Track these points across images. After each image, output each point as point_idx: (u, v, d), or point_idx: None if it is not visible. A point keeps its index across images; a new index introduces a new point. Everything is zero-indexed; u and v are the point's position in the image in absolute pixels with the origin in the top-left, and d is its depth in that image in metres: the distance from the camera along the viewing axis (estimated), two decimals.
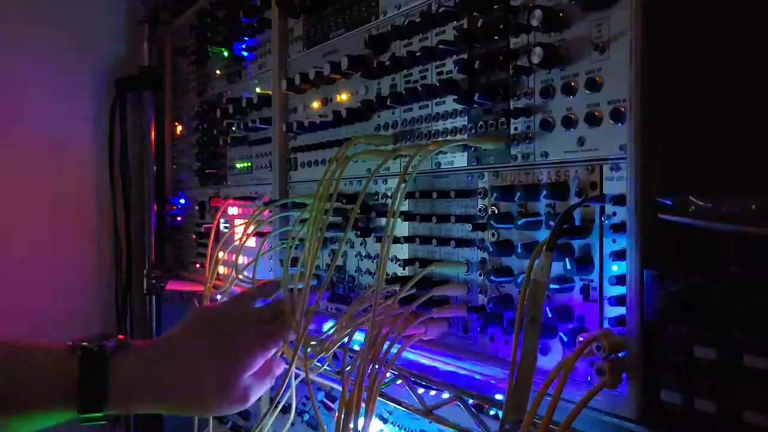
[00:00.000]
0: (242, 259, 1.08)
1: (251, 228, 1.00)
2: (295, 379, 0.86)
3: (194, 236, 1.44)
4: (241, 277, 1.01)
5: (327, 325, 0.80)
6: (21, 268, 1.50)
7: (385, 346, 0.66)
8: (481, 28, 0.66)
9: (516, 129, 0.64)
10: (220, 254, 1.13)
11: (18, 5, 1.49)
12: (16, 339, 0.69)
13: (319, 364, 0.78)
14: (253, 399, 0.74)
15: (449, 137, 0.72)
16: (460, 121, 0.71)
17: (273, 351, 0.76)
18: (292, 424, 0.94)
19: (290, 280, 0.79)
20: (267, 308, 0.82)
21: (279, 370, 0.80)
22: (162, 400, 0.71)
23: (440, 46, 0.71)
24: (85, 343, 0.68)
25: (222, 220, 1.29)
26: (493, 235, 0.67)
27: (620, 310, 0.54)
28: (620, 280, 0.54)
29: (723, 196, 0.46)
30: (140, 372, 0.69)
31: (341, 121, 0.88)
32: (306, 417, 1.06)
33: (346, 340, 0.72)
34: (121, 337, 0.71)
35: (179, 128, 1.56)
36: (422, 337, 0.71)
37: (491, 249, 0.65)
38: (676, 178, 0.52)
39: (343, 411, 0.63)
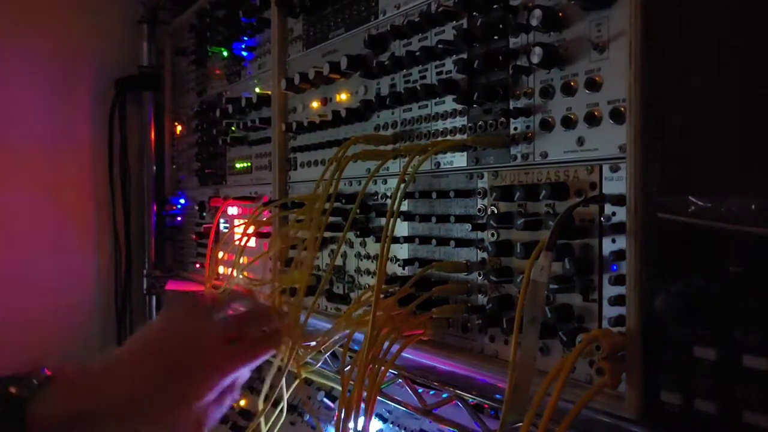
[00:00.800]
0: (242, 259, 1.08)
1: (251, 228, 1.00)
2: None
3: (194, 236, 1.44)
4: (240, 277, 1.01)
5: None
6: (21, 268, 1.50)
7: (385, 346, 0.66)
8: (480, 28, 0.66)
9: (516, 129, 0.64)
10: (220, 254, 1.13)
11: (17, 5, 1.49)
12: None
13: (311, 362, 0.78)
14: (210, 424, 0.67)
15: (449, 137, 0.72)
16: (460, 121, 0.71)
17: (234, 377, 0.68)
18: (292, 423, 0.94)
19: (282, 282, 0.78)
20: (233, 322, 0.73)
21: (242, 380, 0.72)
22: None
23: (440, 46, 0.71)
24: (12, 389, 0.60)
25: (222, 220, 1.29)
26: (492, 235, 0.67)
27: (620, 310, 0.54)
28: (620, 280, 0.53)
29: (723, 196, 0.46)
30: (65, 410, 0.61)
31: (340, 121, 0.88)
32: (306, 417, 1.06)
33: (345, 340, 0.72)
34: (48, 373, 0.63)
35: (179, 128, 1.56)
36: (422, 338, 0.71)
37: (491, 249, 0.65)
38: (676, 178, 0.52)
39: (343, 410, 0.64)
